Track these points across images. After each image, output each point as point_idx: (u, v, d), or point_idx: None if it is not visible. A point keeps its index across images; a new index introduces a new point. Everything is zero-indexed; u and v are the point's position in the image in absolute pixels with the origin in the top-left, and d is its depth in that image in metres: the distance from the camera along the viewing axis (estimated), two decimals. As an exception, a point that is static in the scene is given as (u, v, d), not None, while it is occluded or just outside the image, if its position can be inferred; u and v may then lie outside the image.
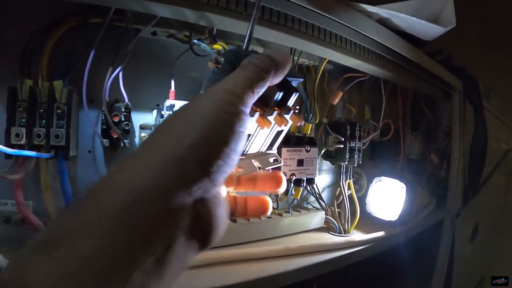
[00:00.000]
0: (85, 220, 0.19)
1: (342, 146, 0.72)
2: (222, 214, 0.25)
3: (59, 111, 0.48)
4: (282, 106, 0.37)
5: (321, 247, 0.66)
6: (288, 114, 0.38)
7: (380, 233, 0.76)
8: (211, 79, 0.43)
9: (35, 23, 0.49)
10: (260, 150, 0.44)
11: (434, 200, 1.03)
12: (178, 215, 0.21)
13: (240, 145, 0.24)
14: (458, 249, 1.10)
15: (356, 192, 0.79)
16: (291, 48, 0.63)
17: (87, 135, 0.55)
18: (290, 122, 0.39)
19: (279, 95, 0.36)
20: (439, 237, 1.06)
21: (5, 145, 0.45)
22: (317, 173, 0.64)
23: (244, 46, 0.41)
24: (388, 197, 0.80)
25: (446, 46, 1.01)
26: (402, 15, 0.61)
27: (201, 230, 0.23)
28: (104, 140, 0.53)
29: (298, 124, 0.38)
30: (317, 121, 0.72)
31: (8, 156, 0.45)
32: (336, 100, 0.74)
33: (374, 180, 0.82)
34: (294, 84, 0.39)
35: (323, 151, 0.74)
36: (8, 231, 0.50)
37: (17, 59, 0.49)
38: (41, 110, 0.47)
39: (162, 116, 0.52)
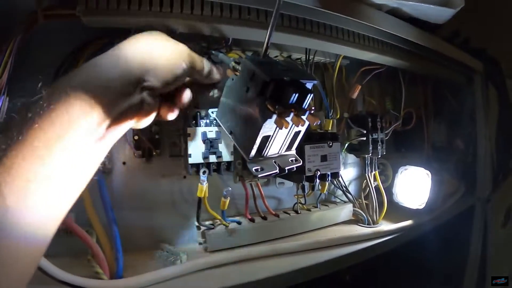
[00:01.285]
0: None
1: (364, 138, 0.75)
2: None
3: None
4: (298, 107, 0.42)
5: (350, 239, 0.70)
6: (304, 115, 0.43)
7: (408, 222, 0.79)
8: (230, 86, 0.48)
9: (67, 46, 0.55)
10: (280, 151, 0.49)
11: (462, 186, 1.06)
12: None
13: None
14: (491, 234, 1.11)
15: (382, 183, 0.83)
16: (306, 49, 0.68)
17: (121, 147, 0.61)
18: (307, 123, 0.44)
19: (294, 97, 0.41)
20: (470, 224, 1.08)
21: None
22: (341, 167, 0.68)
23: (262, 54, 0.47)
24: (414, 186, 0.83)
25: (463, 28, 1.03)
26: (410, 2, 0.64)
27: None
28: (138, 151, 0.58)
29: (315, 124, 0.42)
30: (338, 116, 0.76)
31: None
32: (355, 94, 0.78)
33: (400, 170, 0.86)
34: (308, 86, 0.44)
35: (346, 145, 0.78)
36: (54, 243, 0.56)
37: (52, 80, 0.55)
38: None
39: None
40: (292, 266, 0.59)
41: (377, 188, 0.81)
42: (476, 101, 1.06)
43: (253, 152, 0.45)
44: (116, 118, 0.34)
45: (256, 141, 0.44)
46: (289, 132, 0.47)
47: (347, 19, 0.59)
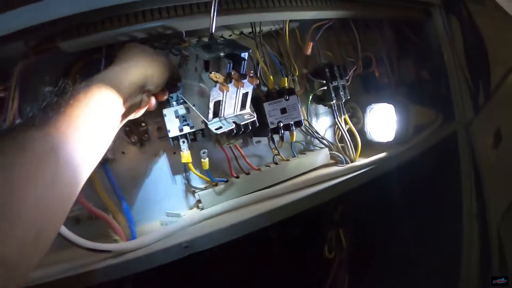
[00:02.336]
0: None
1: (325, 88, 0.89)
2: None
3: None
4: (236, 73, 0.57)
5: (326, 177, 0.84)
6: (244, 78, 0.59)
7: (381, 155, 0.92)
8: (185, 70, 0.65)
9: (57, 72, 0.71)
10: (235, 112, 0.65)
11: (440, 115, 1.17)
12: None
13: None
14: (481, 156, 1.20)
15: (355, 125, 0.97)
16: (251, 23, 0.82)
17: (119, 140, 0.74)
18: (249, 84, 0.60)
19: (230, 66, 0.57)
20: (456, 149, 1.18)
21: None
22: (302, 115, 0.81)
23: (208, 38, 0.62)
24: (382, 122, 0.96)
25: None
26: None
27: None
28: (130, 139, 0.75)
29: (254, 84, 0.58)
30: (297, 74, 0.90)
31: None
32: (309, 50, 0.90)
33: (367, 109, 0.99)
34: (242, 55, 0.59)
35: (311, 97, 0.93)
36: (80, 229, 0.68)
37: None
38: None
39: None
40: (273, 205, 0.74)
41: (351, 131, 0.94)
42: (439, 34, 1.14)
43: (210, 115, 0.60)
44: (128, 107, 0.52)
45: (210, 106, 0.59)
46: (237, 94, 0.62)
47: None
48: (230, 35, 0.82)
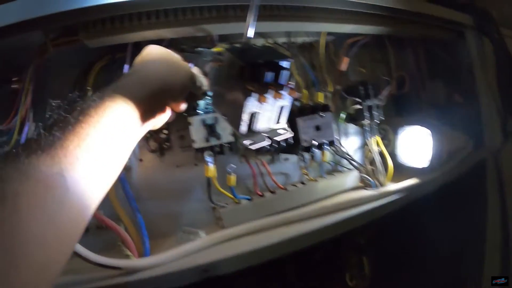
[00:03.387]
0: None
1: (359, 106, 0.81)
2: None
3: None
4: (275, 84, 0.49)
5: (355, 201, 0.76)
6: (283, 90, 0.50)
7: (413, 180, 0.84)
8: (216, 75, 0.56)
9: (75, 69, 0.65)
10: (269, 126, 0.56)
11: (470, 141, 1.08)
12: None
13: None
14: (509, 185, 1.12)
15: (386, 147, 0.88)
16: (287, 32, 0.74)
17: (136, 146, 0.69)
18: (288, 97, 0.51)
19: (269, 76, 0.48)
20: (484, 177, 1.10)
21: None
22: (337, 135, 0.74)
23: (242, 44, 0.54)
24: (416, 145, 0.88)
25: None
26: None
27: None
28: (150, 147, 0.66)
29: (295, 97, 0.49)
30: (330, 89, 0.82)
31: None
32: (344, 66, 0.83)
33: (399, 131, 0.90)
34: (282, 64, 0.50)
35: (343, 115, 0.84)
36: (88, 239, 0.64)
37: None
38: None
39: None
40: (299, 231, 0.67)
41: (382, 153, 0.86)
42: (471, 55, 1.08)
43: (243, 129, 0.52)
44: (145, 120, 0.44)
45: (243, 118, 0.50)
46: (273, 107, 0.54)
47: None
48: (263, 44, 0.74)
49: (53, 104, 0.56)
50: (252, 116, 0.52)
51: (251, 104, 0.50)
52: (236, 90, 0.51)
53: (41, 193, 0.30)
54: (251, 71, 0.49)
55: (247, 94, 0.48)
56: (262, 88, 0.48)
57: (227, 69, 0.53)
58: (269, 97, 0.49)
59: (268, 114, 0.54)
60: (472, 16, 1.06)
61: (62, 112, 0.36)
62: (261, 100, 0.47)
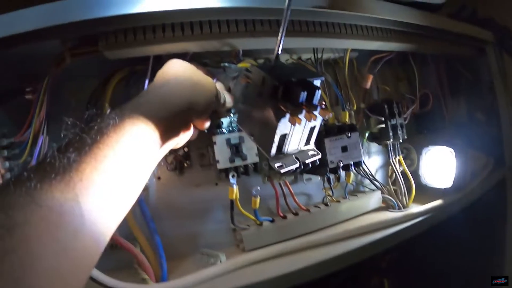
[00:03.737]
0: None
1: (383, 126, 0.77)
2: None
3: None
4: (308, 104, 0.45)
5: (379, 225, 0.72)
6: (315, 110, 0.46)
7: (437, 202, 0.80)
8: (245, 92, 0.52)
9: (93, 80, 0.61)
10: (299, 147, 0.52)
11: (491, 160, 1.04)
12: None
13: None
14: None
15: (408, 167, 0.85)
16: (313, 48, 0.71)
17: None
18: (319, 117, 0.47)
19: (303, 95, 0.44)
20: (505, 197, 1.06)
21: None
22: (363, 155, 0.70)
23: (273, 60, 0.50)
24: (439, 165, 0.84)
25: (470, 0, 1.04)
26: None
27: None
28: (170, 165, 0.63)
29: (327, 117, 0.45)
30: (355, 108, 0.79)
31: None
32: (368, 84, 0.80)
33: (423, 151, 0.86)
34: (315, 83, 0.47)
35: (367, 134, 0.80)
36: (101, 259, 0.60)
37: (83, 111, 0.60)
38: None
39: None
40: (324, 256, 0.62)
41: (404, 173, 0.82)
42: (492, 72, 1.04)
43: (273, 151, 0.48)
44: (167, 140, 0.40)
45: (274, 140, 0.47)
46: (304, 128, 0.50)
47: (346, 15, 0.62)
48: (287, 60, 0.70)
49: (69, 122, 0.52)
50: (283, 137, 0.48)
51: (284, 126, 0.46)
52: (265, 109, 0.48)
53: (54, 222, 0.27)
54: (285, 90, 0.45)
55: (280, 115, 0.45)
56: (296, 109, 0.44)
57: (255, 87, 0.49)
58: (302, 118, 0.45)
59: (299, 135, 0.51)
60: (492, 32, 1.03)
61: (78, 131, 0.33)
62: (295, 121, 0.44)
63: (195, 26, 0.54)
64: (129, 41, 0.52)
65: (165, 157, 0.64)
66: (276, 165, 0.49)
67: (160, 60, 0.62)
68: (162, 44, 0.54)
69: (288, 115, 0.44)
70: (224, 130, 0.61)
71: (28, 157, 0.55)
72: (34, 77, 0.55)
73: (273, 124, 0.46)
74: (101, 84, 0.62)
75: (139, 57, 0.59)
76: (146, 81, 0.60)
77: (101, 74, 0.62)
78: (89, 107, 0.61)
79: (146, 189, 0.65)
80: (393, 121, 0.77)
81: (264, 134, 0.49)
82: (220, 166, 0.58)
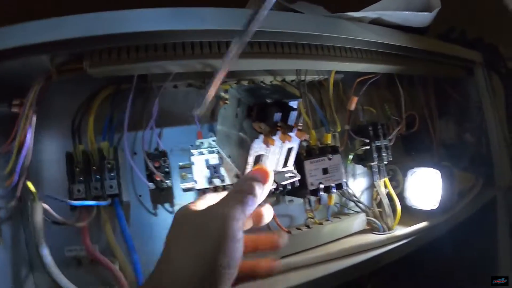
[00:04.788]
0: None
1: (368, 147, 0.78)
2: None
3: (109, 165, 0.60)
4: (284, 125, 0.45)
5: (362, 247, 0.71)
6: (291, 131, 0.46)
7: (423, 224, 0.80)
8: (223, 114, 0.52)
9: (79, 97, 0.62)
10: (276, 168, 0.52)
11: (480, 180, 1.04)
12: None
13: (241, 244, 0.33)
14: None
15: (394, 188, 0.84)
16: (296, 70, 0.72)
17: (138, 182, 0.66)
18: (296, 139, 0.47)
19: (278, 116, 0.44)
20: (495, 216, 1.05)
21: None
22: (345, 177, 0.70)
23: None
24: (425, 187, 0.84)
25: (456, 22, 1.06)
26: (388, 12, 0.66)
27: None
28: (150, 184, 0.62)
29: (303, 139, 0.45)
30: (339, 130, 0.79)
31: (72, 208, 0.57)
32: (353, 105, 0.80)
33: (408, 173, 0.87)
34: (291, 104, 0.47)
35: (351, 156, 0.80)
36: (80, 272, 0.60)
37: (69, 128, 0.61)
38: (95, 168, 0.59)
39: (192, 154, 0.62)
40: (303, 278, 0.62)
41: (389, 195, 0.82)
42: (480, 92, 1.05)
43: (248, 171, 0.48)
44: None
45: (249, 161, 0.46)
46: (281, 149, 0.50)
47: (329, 36, 0.62)
48: (271, 81, 0.71)
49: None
50: (258, 158, 0.48)
51: (258, 146, 0.46)
52: (241, 130, 0.48)
53: None
54: (260, 111, 0.45)
55: (253, 135, 0.45)
56: (271, 130, 0.44)
57: (232, 108, 0.49)
58: (276, 139, 0.45)
59: (276, 156, 0.51)
60: (480, 52, 1.05)
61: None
62: (268, 142, 0.44)
63: (177, 47, 0.55)
64: (113, 59, 0.53)
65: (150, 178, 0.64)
66: None
67: (145, 79, 0.64)
68: (145, 63, 0.54)
69: (261, 136, 0.44)
70: (203, 151, 0.61)
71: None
72: (23, 90, 0.55)
73: (248, 145, 0.46)
74: (87, 101, 0.62)
75: (125, 76, 0.60)
76: (129, 98, 0.61)
77: (88, 91, 0.63)
78: (74, 123, 0.61)
79: (127, 206, 0.64)
80: (378, 143, 0.78)
81: (240, 155, 0.49)
82: (198, 186, 0.58)
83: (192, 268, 0.30)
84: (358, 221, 0.81)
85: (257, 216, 0.43)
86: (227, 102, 0.51)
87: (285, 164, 0.53)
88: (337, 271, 0.65)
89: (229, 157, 0.52)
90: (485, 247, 1.05)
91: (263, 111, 0.45)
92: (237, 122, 0.48)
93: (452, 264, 0.99)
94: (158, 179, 0.62)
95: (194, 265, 0.30)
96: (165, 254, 0.35)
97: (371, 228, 0.82)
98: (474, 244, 1.03)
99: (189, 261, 0.31)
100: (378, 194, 0.81)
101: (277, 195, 0.74)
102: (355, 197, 0.82)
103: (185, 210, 0.37)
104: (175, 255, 0.33)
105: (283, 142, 0.47)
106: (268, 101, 0.45)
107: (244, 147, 0.47)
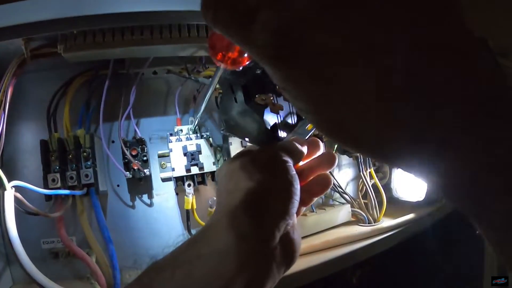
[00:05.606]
0: (199, 254, 0.27)
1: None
2: (298, 237, 0.32)
3: (84, 154, 0.58)
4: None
5: (347, 239, 0.71)
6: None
7: (409, 216, 0.79)
8: (222, 103, 0.51)
9: (55, 84, 0.60)
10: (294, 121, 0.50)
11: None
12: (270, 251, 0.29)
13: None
14: None
15: (380, 180, 0.83)
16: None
17: (116, 172, 0.64)
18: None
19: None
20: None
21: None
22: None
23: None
24: (412, 178, 0.83)
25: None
26: None
27: (287, 257, 0.31)
28: (126, 172, 0.61)
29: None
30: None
31: (48, 198, 0.55)
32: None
33: (395, 164, 0.85)
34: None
35: (336, 146, 0.79)
36: (57, 265, 0.59)
37: (44, 116, 0.59)
38: (70, 156, 0.57)
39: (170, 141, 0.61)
40: (287, 271, 0.60)
41: (375, 186, 0.81)
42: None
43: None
44: None
45: (269, 133, 0.46)
46: (290, 106, 0.49)
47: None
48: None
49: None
50: (275, 127, 0.48)
51: (271, 117, 0.46)
52: (247, 111, 0.47)
53: None
54: (254, 85, 0.45)
55: (261, 109, 0.44)
56: (273, 97, 0.45)
57: (228, 95, 0.48)
58: (282, 102, 0.45)
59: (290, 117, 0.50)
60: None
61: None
62: (277, 109, 0.43)
63: (155, 30, 0.53)
64: (88, 43, 0.52)
65: (126, 166, 0.62)
66: None
67: (122, 64, 0.62)
68: (120, 48, 0.53)
69: (268, 108, 0.44)
70: (181, 137, 0.59)
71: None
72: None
73: (260, 120, 0.45)
74: (63, 86, 0.61)
75: (102, 61, 0.58)
76: (106, 84, 0.59)
77: (66, 77, 0.61)
78: (49, 110, 0.60)
79: (104, 196, 0.63)
80: (364, 132, 0.76)
81: (256, 132, 0.48)
82: (175, 174, 0.57)
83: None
84: (343, 212, 0.79)
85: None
86: (220, 91, 0.49)
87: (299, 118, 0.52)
88: (321, 263, 0.64)
89: (247, 140, 0.51)
90: (472, 239, 1.05)
91: (258, 83, 0.44)
92: (239, 106, 0.47)
93: (438, 256, 0.98)
94: (135, 167, 0.60)
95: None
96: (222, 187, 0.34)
97: (356, 220, 0.81)
98: (461, 236, 1.03)
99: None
100: (363, 184, 0.80)
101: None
102: (340, 188, 0.81)
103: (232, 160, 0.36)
104: (235, 185, 0.32)
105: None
106: (258, 71, 0.44)
107: (257, 123, 0.46)
